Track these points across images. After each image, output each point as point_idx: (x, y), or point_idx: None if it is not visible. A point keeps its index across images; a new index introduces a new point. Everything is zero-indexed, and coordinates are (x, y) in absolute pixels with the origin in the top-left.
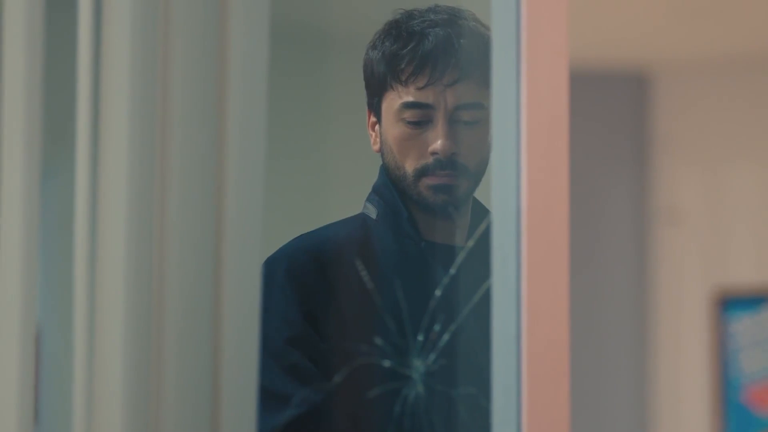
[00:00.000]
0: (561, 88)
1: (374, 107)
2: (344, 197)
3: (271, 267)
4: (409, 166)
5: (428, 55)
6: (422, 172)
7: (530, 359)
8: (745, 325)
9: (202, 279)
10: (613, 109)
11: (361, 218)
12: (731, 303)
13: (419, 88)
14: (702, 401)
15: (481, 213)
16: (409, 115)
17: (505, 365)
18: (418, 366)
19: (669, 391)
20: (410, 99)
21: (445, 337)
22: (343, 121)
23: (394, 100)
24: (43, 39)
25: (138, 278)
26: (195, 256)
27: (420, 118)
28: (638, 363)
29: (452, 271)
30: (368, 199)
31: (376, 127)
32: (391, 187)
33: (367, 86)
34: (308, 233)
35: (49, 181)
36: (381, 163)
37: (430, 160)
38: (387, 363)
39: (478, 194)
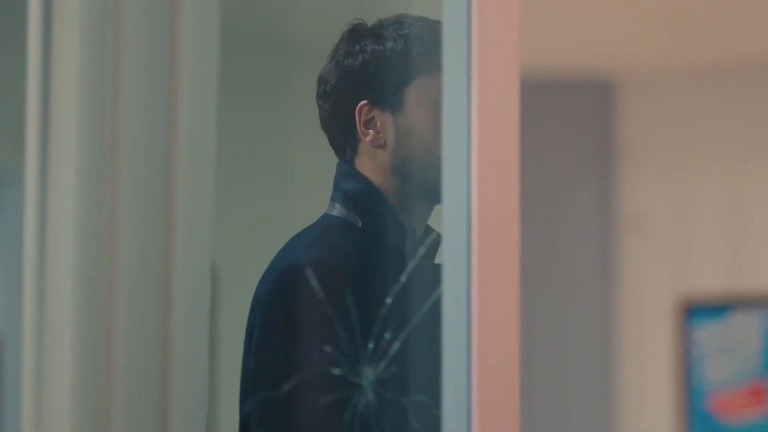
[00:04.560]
0: (512, 98)
1: (382, 99)
2: (305, 200)
3: (291, 280)
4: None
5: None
6: None
7: (481, 367)
8: (709, 333)
9: (152, 282)
10: (580, 116)
11: (344, 225)
12: (696, 310)
13: None
14: (666, 409)
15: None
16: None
17: (455, 373)
18: (369, 374)
19: (633, 398)
20: None
21: (396, 345)
22: (305, 125)
23: (431, 87)
24: None
25: (88, 283)
26: (144, 260)
27: None
28: (603, 370)
29: (403, 278)
30: (346, 206)
31: (377, 122)
32: (380, 194)
33: (373, 80)
34: (313, 244)
35: (2, 189)
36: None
37: None
38: (337, 371)
39: None
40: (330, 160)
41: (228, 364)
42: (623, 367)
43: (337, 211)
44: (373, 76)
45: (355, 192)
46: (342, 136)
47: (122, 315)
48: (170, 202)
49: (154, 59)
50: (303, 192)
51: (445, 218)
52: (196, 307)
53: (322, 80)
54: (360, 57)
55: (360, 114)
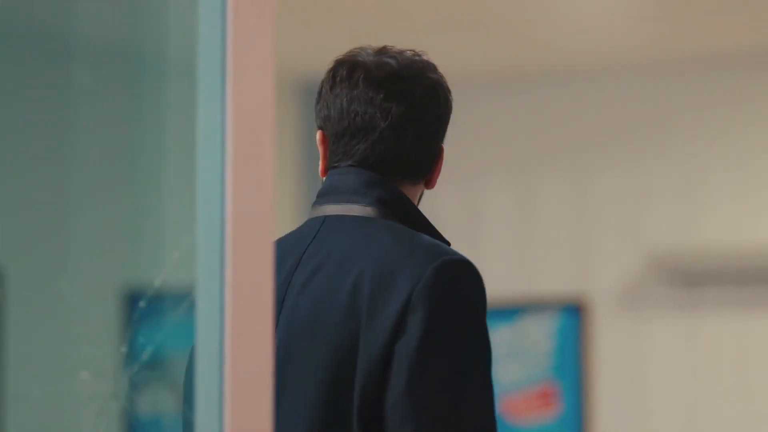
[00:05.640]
0: (267, 101)
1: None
2: (89, 200)
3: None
4: None
5: None
6: None
7: (233, 370)
8: (500, 336)
9: None
10: None
11: None
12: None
13: None
14: None
15: None
16: None
17: (208, 377)
18: (121, 377)
19: None
20: None
21: (149, 349)
22: (84, 124)
23: None
24: None
25: None
26: None
27: None
28: None
29: (157, 282)
30: (383, 212)
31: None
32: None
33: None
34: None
35: None
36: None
37: None
38: (86, 374)
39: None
40: (105, 158)
41: (18, 363)
42: None
43: (376, 213)
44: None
45: (392, 199)
46: (415, 161)
47: None
48: None
49: None
50: (87, 192)
51: (199, 223)
52: None
53: (426, 102)
54: (451, 101)
55: (441, 154)
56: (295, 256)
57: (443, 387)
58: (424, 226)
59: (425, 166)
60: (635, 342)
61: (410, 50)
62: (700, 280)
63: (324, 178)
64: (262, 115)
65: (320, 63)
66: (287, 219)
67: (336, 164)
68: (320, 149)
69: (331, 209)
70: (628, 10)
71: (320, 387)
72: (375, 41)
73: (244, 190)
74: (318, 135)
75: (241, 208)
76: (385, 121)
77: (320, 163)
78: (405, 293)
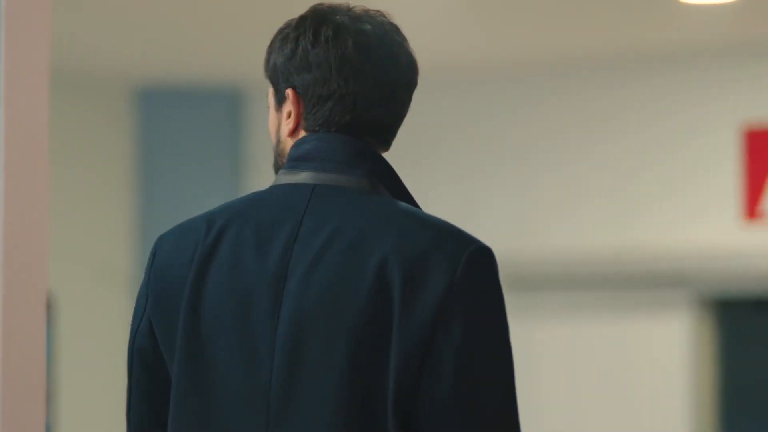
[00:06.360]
0: (41, 112)
1: None
2: None
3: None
4: None
5: None
6: None
7: (5, 373)
8: None
9: None
10: (208, 125)
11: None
12: None
13: None
14: None
15: None
16: None
17: None
18: None
19: None
20: None
21: None
22: None
23: None
24: None
25: None
26: None
27: None
28: None
29: None
30: (374, 183)
31: None
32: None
33: None
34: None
35: None
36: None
37: None
38: None
39: None
40: None
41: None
42: None
43: (369, 186)
44: None
45: (384, 172)
46: (389, 127)
47: None
48: None
49: None
50: None
51: None
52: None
53: (409, 68)
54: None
55: None
56: (288, 228)
57: (492, 377)
58: (408, 199)
59: (396, 132)
60: None
61: (374, 11)
62: (534, 284)
63: (294, 141)
64: (35, 118)
65: (153, 69)
66: (122, 220)
67: (315, 128)
68: (292, 109)
69: (316, 177)
70: (447, 13)
71: (346, 374)
72: (213, 46)
73: (17, 190)
74: (289, 93)
75: (14, 208)
76: (376, 88)
77: (290, 122)
78: (442, 282)
